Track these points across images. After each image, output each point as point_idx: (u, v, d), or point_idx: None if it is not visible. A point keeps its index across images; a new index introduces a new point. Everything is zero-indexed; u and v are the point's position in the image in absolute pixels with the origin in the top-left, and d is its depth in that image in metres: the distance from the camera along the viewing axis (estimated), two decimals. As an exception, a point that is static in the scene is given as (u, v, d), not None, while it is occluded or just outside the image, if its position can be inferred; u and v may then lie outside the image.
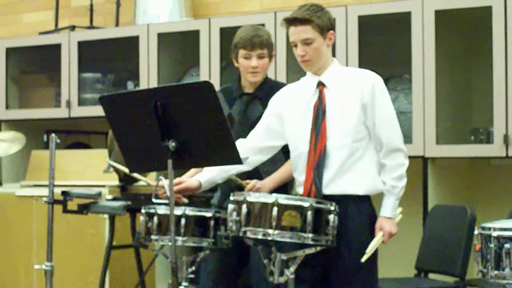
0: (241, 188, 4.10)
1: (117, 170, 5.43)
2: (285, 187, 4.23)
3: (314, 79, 3.78)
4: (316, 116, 3.72)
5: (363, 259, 3.59)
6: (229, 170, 3.94)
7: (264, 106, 4.23)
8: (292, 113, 3.82)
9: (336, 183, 3.68)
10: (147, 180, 4.53)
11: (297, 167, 3.80)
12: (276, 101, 3.93)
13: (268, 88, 4.27)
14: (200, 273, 4.33)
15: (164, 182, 3.99)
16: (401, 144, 3.74)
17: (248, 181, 4.13)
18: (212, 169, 3.95)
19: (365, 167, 3.70)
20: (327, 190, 3.67)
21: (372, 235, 3.70)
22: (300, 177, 3.77)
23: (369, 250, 3.61)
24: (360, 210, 3.69)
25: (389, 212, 3.71)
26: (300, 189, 3.77)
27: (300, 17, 3.70)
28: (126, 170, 4.37)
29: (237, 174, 4.02)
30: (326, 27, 3.72)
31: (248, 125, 4.21)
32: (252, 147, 3.91)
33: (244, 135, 4.04)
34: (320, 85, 3.77)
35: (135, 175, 4.60)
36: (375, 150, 3.73)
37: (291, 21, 3.73)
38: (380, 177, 3.73)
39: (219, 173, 3.94)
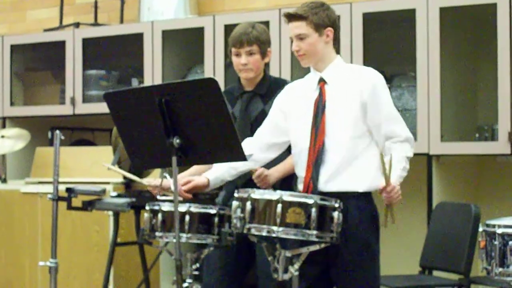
0: (245, 185, 4.10)
1: (121, 167, 5.44)
2: (290, 183, 4.23)
3: (316, 76, 3.80)
4: (316, 112, 3.73)
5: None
6: (239, 167, 3.94)
7: (265, 103, 4.26)
8: (295, 109, 3.83)
9: (335, 180, 3.68)
10: (142, 181, 4.53)
11: (298, 163, 3.80)
12: (280, 98, 3.94)
13: (268, 85, 4.30)
14: (203, 271, 4.33)
15: (167, 181, 4.02)
16: (409, 133, 3.75)
17: (257, 167, 4.12)
18: (221, 166, 3.95)
19: (365, 165, 3.69)
20: (327, 187, 3.68)
21: (373, 233, 3.70)
22: (301, 173, 3.77)
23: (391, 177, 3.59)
24: (360, 207, 3.68)
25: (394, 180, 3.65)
26: (301, 186, 3.78)
27: (294, 13, 3.75)
28: (124, 173, 4.40)
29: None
30: (323, 23, 3.73)
31: (249, 122, 4.24)
32: (260, 145, 3.92)
33: (245, 132, 4.05)
34: (321, 81, 3.77)
35: (129, 175, 4.61)
36: (375, 147, 3.72)
37: (288, 18, 3.78)
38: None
39: (228, 170, 3.94)
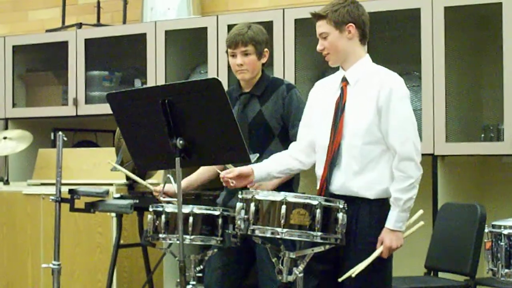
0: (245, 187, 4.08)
1: (124, 168, 5.42)
2: (290, 184, 4.21)
3: (341, 74, 3.77)
4: (336, 112, 3.70)
5: (341, 279, 3.54)
6: (288, 165, 3.85)
7: (262, 103, 4.23)
8: (319, 106, 3.81)
9: (347, 184, 3.64)
10: (147, 184, 4.52)
11: (318, 161, 3.77)
12: (311, 95, 3.92)
13: (264, 86, 4.28)
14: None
15: (170, 186, 4.02)
16: (413, 153, 3.60)
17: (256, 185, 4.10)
18: (270, 160, 3.86)
19: (379, 172, 3.63)
20: (340, 190, 3.64)
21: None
22: (318, 172, 3.75)
23: (356, 269, 3.54)
24: (371, 212, 3.64)
25: (391, 224, 3.61)
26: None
27: (315, 13, 3.74)
28: (129, 174, 4.39)
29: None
30: (343, 20, 3.69)
31: (246, 124, 4.22)
32: (303, 148, 3.86)
33: (243, 134, 4.02)
34: (344, 81, 3.74)
35: (135, 177, 4.60)
36: (392, 155, 3.66)
37: (313, 18, 3.76)
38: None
39: (275, 167, 3.85)
